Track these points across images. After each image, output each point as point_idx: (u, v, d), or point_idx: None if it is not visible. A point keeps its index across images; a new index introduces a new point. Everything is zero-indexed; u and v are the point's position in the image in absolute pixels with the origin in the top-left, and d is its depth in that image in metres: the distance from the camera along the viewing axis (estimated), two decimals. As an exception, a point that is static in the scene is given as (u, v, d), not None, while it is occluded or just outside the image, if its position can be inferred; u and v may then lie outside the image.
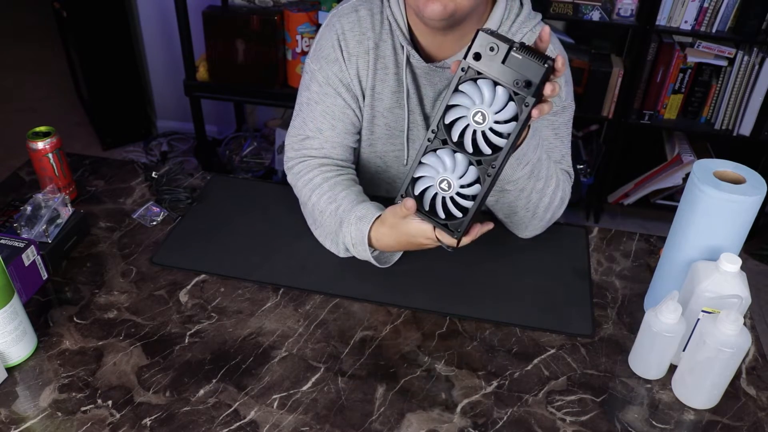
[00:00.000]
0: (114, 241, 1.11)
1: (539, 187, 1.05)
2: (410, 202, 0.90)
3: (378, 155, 1.21)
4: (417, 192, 0.90)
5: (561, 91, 1.09)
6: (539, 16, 1.11)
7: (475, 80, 0.84)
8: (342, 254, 1.08)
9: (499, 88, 0.83)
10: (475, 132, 0.85)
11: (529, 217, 1.10)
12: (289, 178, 1.18)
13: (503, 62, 0.82)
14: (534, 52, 0.82)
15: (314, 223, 1.12)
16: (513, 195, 1.05)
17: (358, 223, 1.03)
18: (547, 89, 0.82)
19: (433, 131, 0.88)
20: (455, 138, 0.86)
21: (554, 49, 1.10)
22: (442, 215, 0.90)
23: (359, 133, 1.20)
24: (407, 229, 0.96)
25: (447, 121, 0.87)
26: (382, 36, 1.11)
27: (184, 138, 2.98)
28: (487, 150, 0.85)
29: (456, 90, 0.85)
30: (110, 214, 1.17)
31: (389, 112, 1.15)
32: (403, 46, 1.09)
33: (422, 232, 0.95)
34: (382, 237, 1.01)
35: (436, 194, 0.89)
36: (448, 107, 0.86)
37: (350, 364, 0.91)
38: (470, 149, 0.86)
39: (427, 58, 1.10)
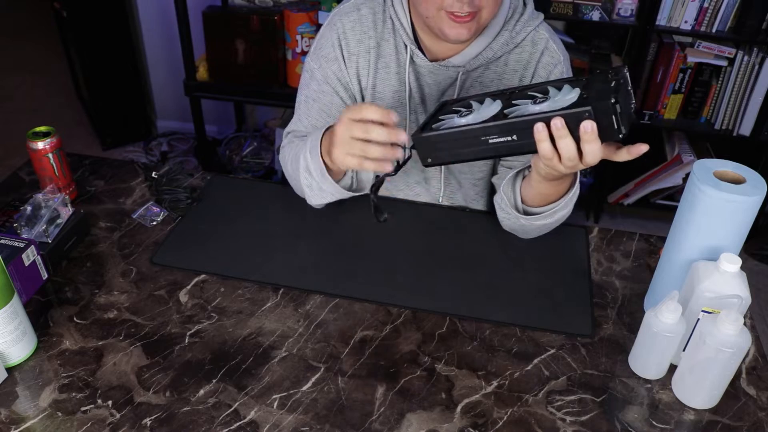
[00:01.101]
0: (114, 241, 1.11)
1: (549, 222, 1.07)
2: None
3: None
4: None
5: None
6: (541, 16, 1.12)
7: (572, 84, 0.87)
8: (305, 187, 1.05)
9: (574, 91, 0.84)
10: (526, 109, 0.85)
11: (533, 235, 1.12)
12: (280, 157, 1.18)
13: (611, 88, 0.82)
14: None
15: (292, 176, 1.11)
16: (523, 227, 1.08)
17: (316, 132, 1.01)
18: (586, 126, 0.80)
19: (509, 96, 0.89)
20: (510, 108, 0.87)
21: (557, 50, 1.11)
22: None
23: None
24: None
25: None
26: (384, 35, 1.11)
27: (184, 138, 2.98)
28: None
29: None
30: (110, 214, 1.17)
31: None
32: (406, 46, 1.09)
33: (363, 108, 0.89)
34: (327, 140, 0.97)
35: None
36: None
37: (350, 364, 0.91)
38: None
39: (431, 57, 1.10)
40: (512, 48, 1.10)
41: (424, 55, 1.09)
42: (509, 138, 0.85)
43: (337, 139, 0.90)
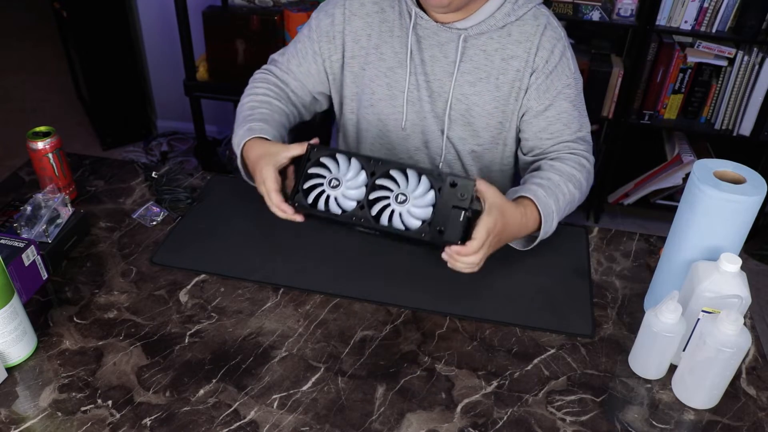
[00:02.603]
0: (114, 241, 1.11)
1: (571, 208, 1.14)
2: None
3: (378, 117, 1.26)
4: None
5: (570, 63, 1.17)
6: None
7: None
8: (236, 144, 1.15)
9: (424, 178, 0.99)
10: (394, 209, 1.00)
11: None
12: (250, 80, 1.30)
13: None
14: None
15: (238, 114, 1.21)
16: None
17: (255, 132, 1.12)
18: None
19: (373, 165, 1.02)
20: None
21: (558, 27, 1.17)
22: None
23: (327, 92, 1.30)
24: (264, 165, 1.04)
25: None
26: (390, 2, 1.19)
27: (184, 138, 2.98)
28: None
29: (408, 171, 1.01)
30: (110, 214, 1.17)
31: (391, 71, 1.21)
32: (410, 13, 1.16)
33: (266, 179, 1.03)
34: (254, 150, 1.09)
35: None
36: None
37: (350, 364, 0.91)
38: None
39: (435, 21, 1.16)
40: (514, 20, 1.14)
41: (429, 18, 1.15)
42: (372, 231, 1.01)
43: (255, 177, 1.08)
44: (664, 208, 2.57)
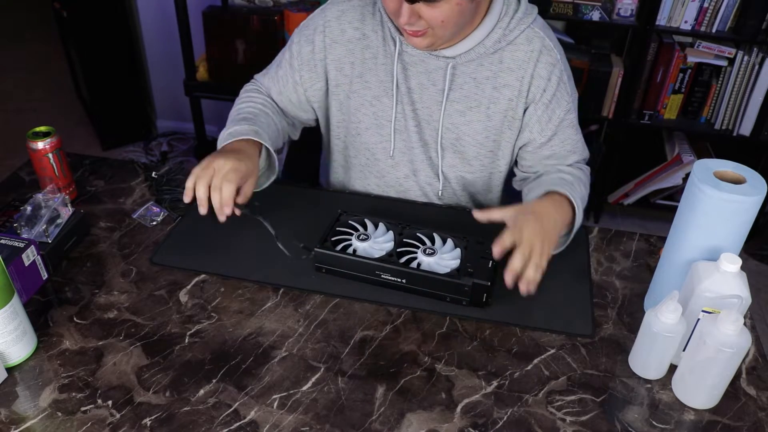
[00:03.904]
0: (114, 241, 1.11)
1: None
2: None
3: (366, 146, 1.23)
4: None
5: (567, 86, 1.14)
6: (535, 10, 1.12)
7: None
8: (222, 136, 1.11)
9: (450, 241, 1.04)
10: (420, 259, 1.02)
11: None
12: (241, 93, 1.25)
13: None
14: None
15: (229, 119, 1.17)
16: None
17: (253, 133, 1.09)
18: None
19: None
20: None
21: (554, 48, 1.12)
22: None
23: (312, 118, 1.27)
24: (238, 160, 1.02)
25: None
26: (372, 27, 1.14)
27: (184, 138, 2.98)
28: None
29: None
30: (110, 214, 1.17)
31: (377, 100, 1.17)
32: (394, 39, 1.11)
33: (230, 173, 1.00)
34: (240, 149, 1.05)
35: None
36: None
37: (350, 364, 0.91)
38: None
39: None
40: (505, 45, 1.10)
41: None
42: (399, 279, 1.00)
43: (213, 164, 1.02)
44: (664, 208, 2.57)
